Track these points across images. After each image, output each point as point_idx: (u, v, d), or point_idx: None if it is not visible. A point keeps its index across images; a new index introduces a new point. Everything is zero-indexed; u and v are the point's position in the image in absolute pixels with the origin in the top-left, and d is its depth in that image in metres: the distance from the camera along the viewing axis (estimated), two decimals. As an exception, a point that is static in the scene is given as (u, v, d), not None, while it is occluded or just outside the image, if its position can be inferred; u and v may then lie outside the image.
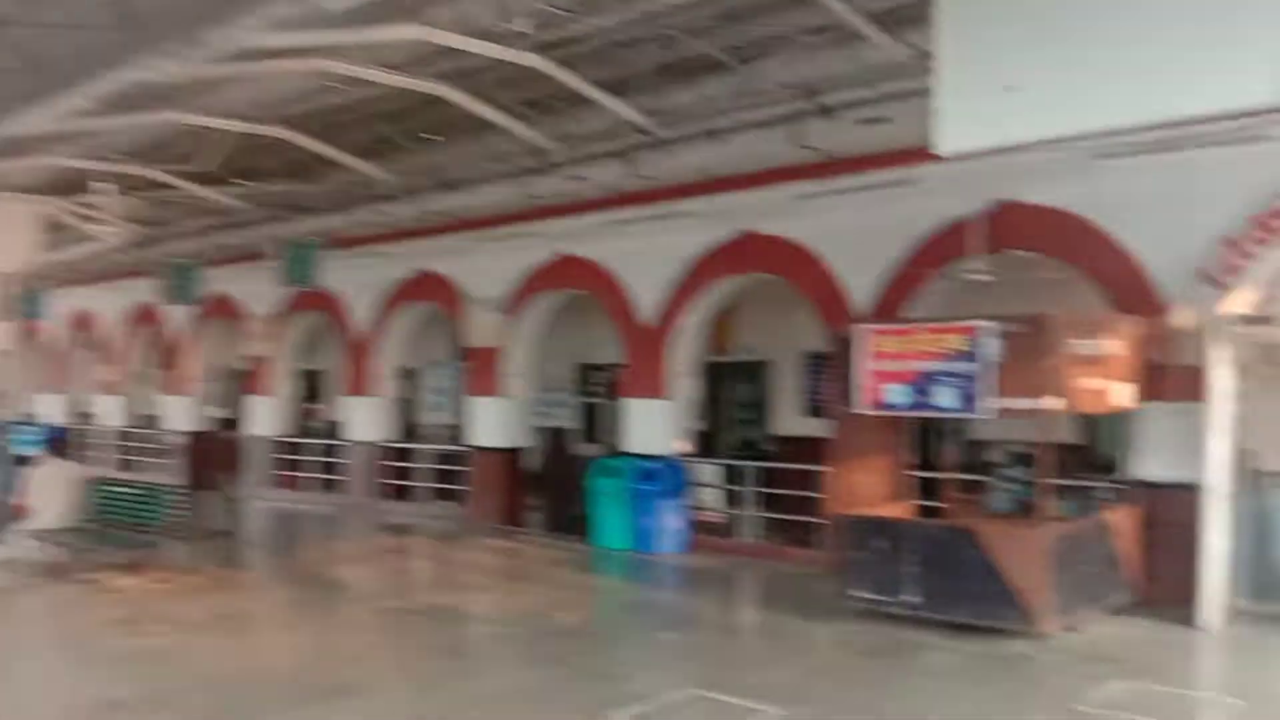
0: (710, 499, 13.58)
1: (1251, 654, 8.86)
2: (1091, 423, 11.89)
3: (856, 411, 9.60)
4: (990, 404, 8.86)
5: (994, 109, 4.84)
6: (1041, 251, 10.88)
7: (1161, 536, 9.77)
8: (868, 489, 10.53)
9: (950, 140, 4.94)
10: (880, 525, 9.57)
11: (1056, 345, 8.67)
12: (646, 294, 14.04)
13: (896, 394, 9.40)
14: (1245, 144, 9.56)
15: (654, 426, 13.81)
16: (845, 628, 9.37)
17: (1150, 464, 9.97)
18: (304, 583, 12.20)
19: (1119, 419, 10.36)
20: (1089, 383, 9.10)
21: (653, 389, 13.89)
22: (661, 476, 13.17)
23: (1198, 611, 9.21)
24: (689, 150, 13.16)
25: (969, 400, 8.98)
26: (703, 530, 13.31)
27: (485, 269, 15.97)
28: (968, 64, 4.94)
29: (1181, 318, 9.89)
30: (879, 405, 9.52)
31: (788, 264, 12.74)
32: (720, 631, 10.03)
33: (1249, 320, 9.41)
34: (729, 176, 12.74)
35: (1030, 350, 8.69)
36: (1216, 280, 9.78)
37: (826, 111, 10.25)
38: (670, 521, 13.09)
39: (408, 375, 18.90)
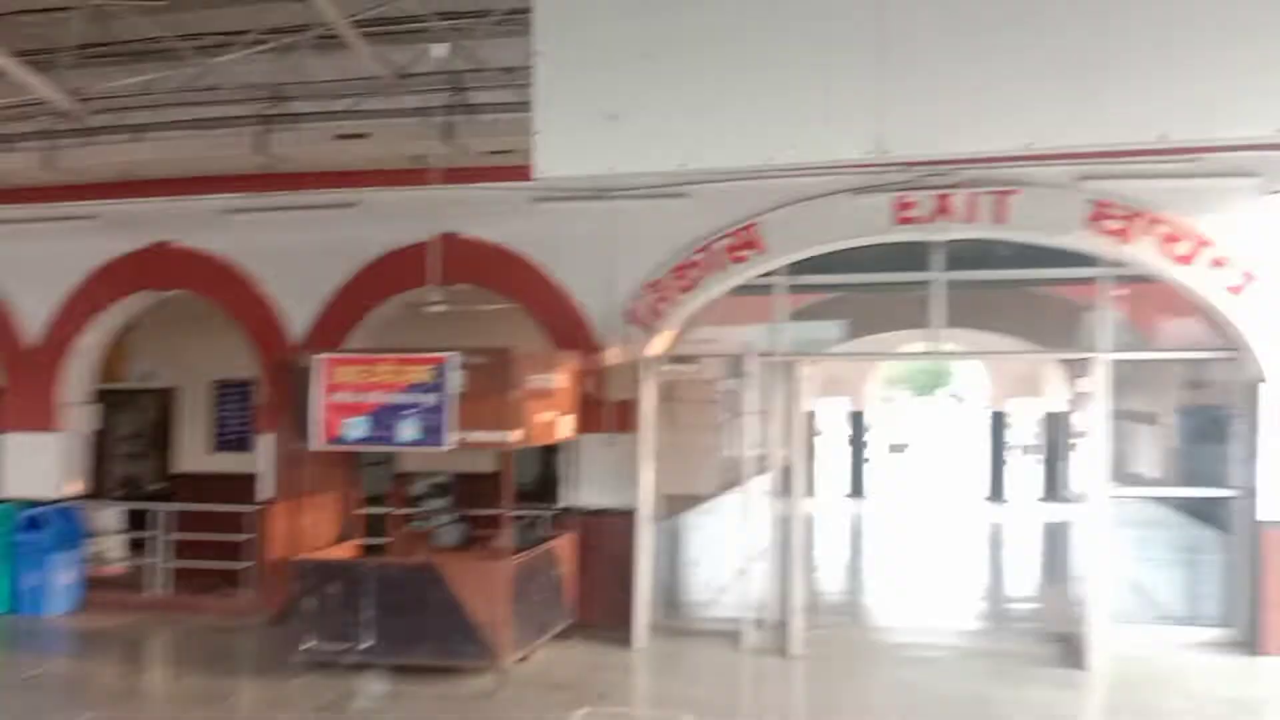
0: (111, 548, 12.33)
1: (682, 667, 9.87)
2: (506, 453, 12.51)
3: (309, 447, 9.30)
4: (453, 437, 9.06)
5: (597, 136, 4.96)
6: (486, 286, 11.36)
7: (595, 561, 10.62)
8: (314, 530, 10.24)
9: (550, 164, 4.99)
10: (334, 568, 9.37)
11: (518, 379, 9.10)
12: (37, 309, 12.47)
13: (355, 427, 9.28)
14: (668, 198, 10.81)
15: (40, 465, 12.27)
16: (294, 685, 9.01)
17: (586, 492, 10.79)
18: None
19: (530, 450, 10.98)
20: (543, 416, 9.66)
21: (40, 421, 12.34)
22: (49, 524, 11.73)
23: (634, 631, 10.15)
24: (113, 144, 11.87)
25: (433, 433, 9.12)
26: (101, 585, 12.05)
27: None
28: (570, 87, 5.01)
29: (613, 355, 10.87)
30: (337, 439, 9.33)
31: (211, 282, 12.05)
32: (151, 703, 9.15)
33: (674, 359, 10.59)
34: (149, 180, 11.73)
35: (492, 383, 9.04)
36: (643, 322, 10.89)
37: (293, 119, 9.85)
38: (61, 577, 11.68)
39: None
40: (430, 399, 9.15)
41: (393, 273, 11.54)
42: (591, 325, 11.05)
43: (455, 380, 9.10)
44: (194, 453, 15.35)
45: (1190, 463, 11.67)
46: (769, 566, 10.51)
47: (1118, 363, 10.18)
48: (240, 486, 13.22)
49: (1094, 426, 9.74)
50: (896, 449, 35.37)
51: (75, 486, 12.37)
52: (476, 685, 8.89)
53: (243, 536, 11.75)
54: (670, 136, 4.86)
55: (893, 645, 10.68)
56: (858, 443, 26.01)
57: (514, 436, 9.04)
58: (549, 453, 13.29)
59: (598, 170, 5.28)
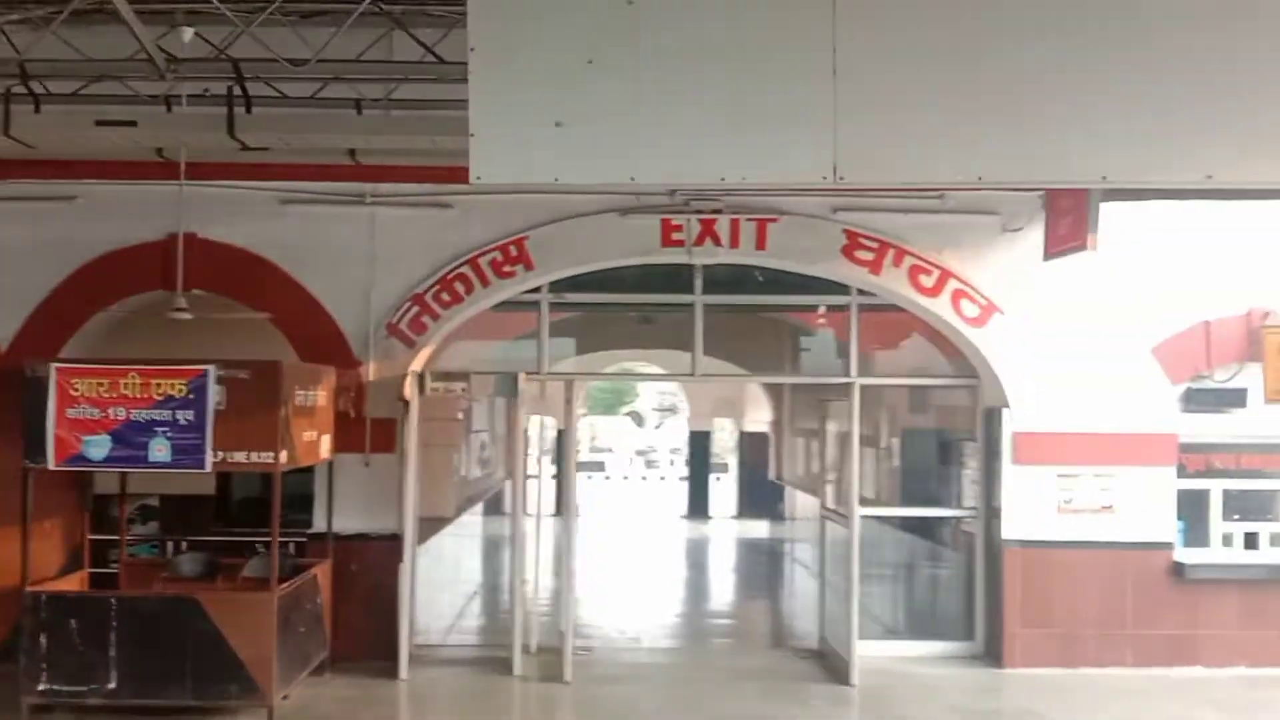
0: None
1: (461, 699, 9.81)
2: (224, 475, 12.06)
3: (47, 465, 8.65)
4: (212, 457, 8.69)
5: (541, 143, 4.92)
6: (228, 293, 10.91)
7: (352, 589, 10.42)
8: (39, 558, 9.43)
9: (487, 170, 4.90)
10: (75, 602, 8.74)
11: (287, 394, 8.85)
12: None
13: (98, 446, 8.71)
14: (431, 206, 10.84)
15: None
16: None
17: (340, 516, 10.56)
18: None
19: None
20: (307, 434, 9.42)
21: None
22: None
23: (399, 662, 10.03)
24: None
25: (190, 453, 8.71)
26: None
27: None
28: (511, 89, 4.96)
29: (373, 371, 10.73)
30: (76, 458, 8.72)
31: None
32: None
33: (443, 377, 10.59)
34: None
35: (257, 399, 8.74)
36: (404, 336, 10.82)
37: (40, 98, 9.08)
38: None
39: None
40: (185, 416, 8.72)
41: (117, 275, 10.89)
42: (347, 338, 10.84)
43: (214, 395, 8.72)
44: None
45: (913, 483, 12.77)
46: (528, 589, 10.66)
47: (837, 387, 11.06)
48: None
49: (847, 449, 10.46)
50: (592, 467, 36.24)
51: None
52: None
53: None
54: (620, 149, 4.93)
55: (656, 666, 11.08)
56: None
57: (282, 457, 8.76)
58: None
59: (541, 179, 5.24)
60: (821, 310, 12.10)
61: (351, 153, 10.11)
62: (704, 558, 20.49)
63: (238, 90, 8.93)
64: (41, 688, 8.51)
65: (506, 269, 10.85)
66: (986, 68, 4.91)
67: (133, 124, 8.56)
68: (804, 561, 17.50)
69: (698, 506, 25.76)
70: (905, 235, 10.86)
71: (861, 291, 11.20)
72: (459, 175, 10.47)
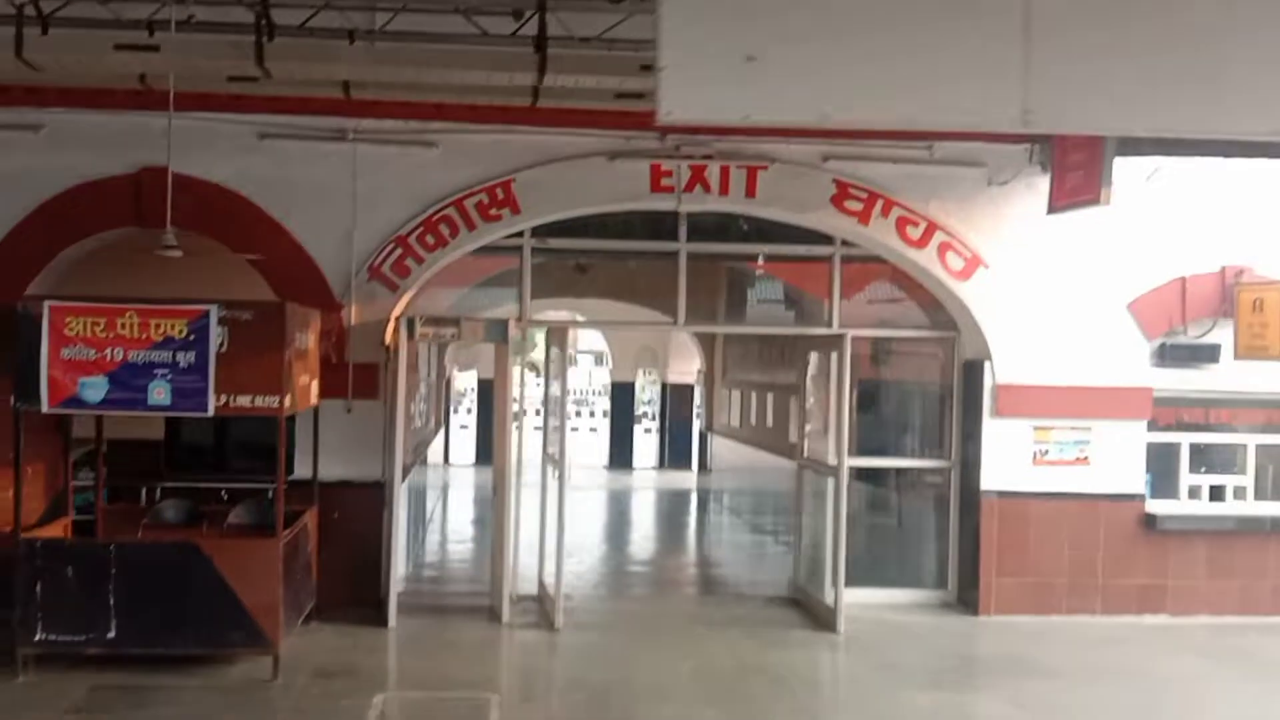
0: None
1: (452, 646, 10.02)
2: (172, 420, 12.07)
3: (40, 408, 8.65)
4: (215, 401, 8.79)
5: (732, 78, 4.89)
6: (203, 230, 10.89)
7: (335, 536, 10.60)
8: (7, 507, 9.41)
9: (678, 106, 4.87)
10: (72, 549, 8.80)
11: (288, 337, 8.97)
12: None
13: (95, 388, 8.73)
14: (414, 145, 10.97)
15: None
16: (28, 683, 8.42)
17: (323, 462, 10.70)
18: None
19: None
20: (302, 379, 9.56)
21: None
22: None
23: (387, 611, 10.29)
24: None
25: (192, 396, 8.77)
26: None
27: None
28: (702, 22, 4.91)
29: (356, 315, 10.86)
30: (72, 401, 8.74)
31: None
32: None
33: (432, 321, 10.77)
34: None
35: (261, 341, 8.84)
36: (387, 279, 10.97)
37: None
38: None
39: None
40: (186, 358, 8.78)
41: (85, 210, 10.80)
42: (328, 280, 10.93)
43: (216, 337, 8.80)
44: None
45: (872, 435, 13.21)
46: (509, 540, 10.96)
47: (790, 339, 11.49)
48: None
49: (837, 400, 10.89)
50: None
51: None
52: (253, 673, 8.73)
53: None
54: (811, 85, 4.94)
55: (635, 614, 11.49)
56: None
57: (286, 402, 8.90)
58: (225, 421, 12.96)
59: (730, 117, 5.31)
60: (760, 260, 12.49)
61: (345, 85, 10.11)
62: (640, 508, 20.94)
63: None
64: (38, 638, 8.53)
65: (492, 212, 11.04)
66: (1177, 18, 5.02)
67: (155, 49, 8.48)
68: (738, 511, 18.15)
69: (621, 457, 26.22)
70: (893, 186, 11.30)
71: (845, 242, 11.62)
72: (444, 112, 10.87)
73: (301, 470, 10.63)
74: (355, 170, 10.92)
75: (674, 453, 25.17)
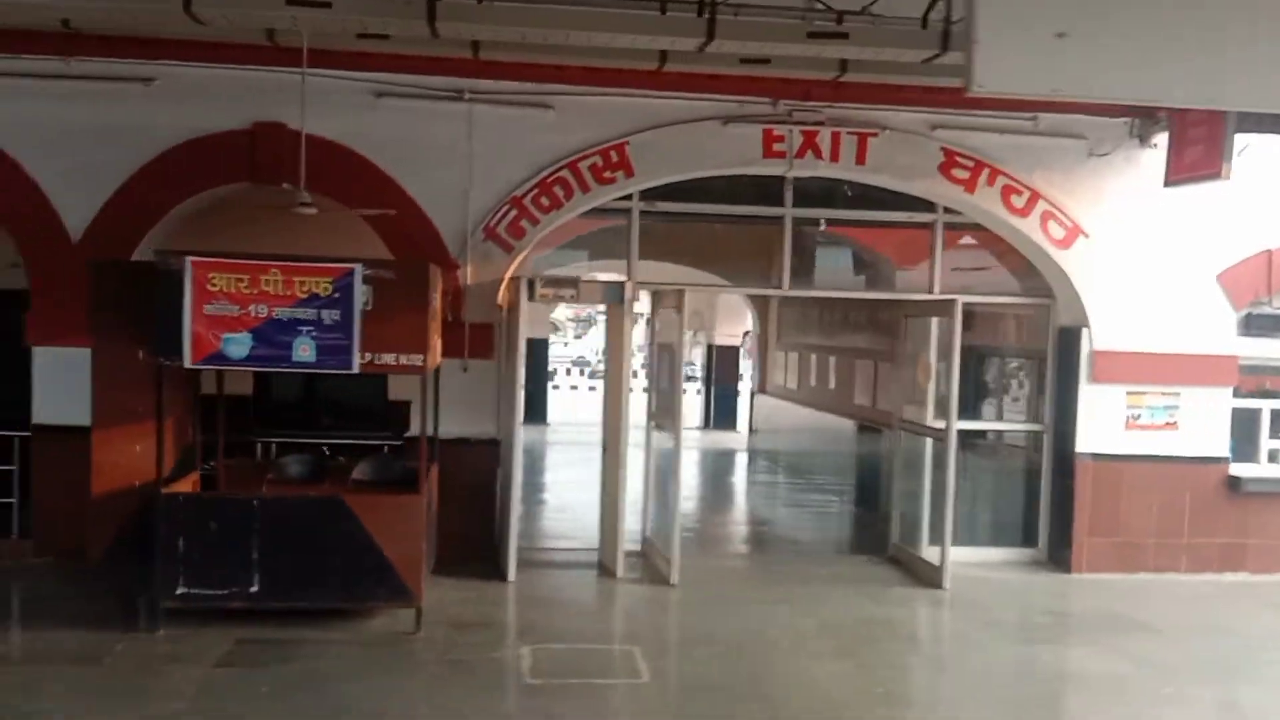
0: None
1: (576, 600, 9.86)
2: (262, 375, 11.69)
3: (183, 363, 8.25)
4: (360, 358, 8.39)
5: (1042, 52, 4.64)
6: (319, 189, 10.38)
7: (451, 492, 10.21)
8: (146, 459, 8.99)
9: (991, 78, 4.62)
10: (213, 504, 8.41)
11: (429, 296, 8.58)
12: None
13: (238, 344, 8.32)
14: (530, 106, 10.51)
15: None
16: (172, 636, 8.08)
17: (441, 420, 10.30)
18: None
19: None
20: (434, 338, 9.16)
21: None
22: None
23: (505, 565, 9.95)
24: None
25: (338, 353, 8.38)
26: None
27: None
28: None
29: (472, 274, 10.43)
30: (215, 356, 8.32)
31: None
32: (14, 666, 7.69)
33: (551, 283, 10.34)
34: None
35: (403, 299, 8.45)
36: (502, 240, 10.54)
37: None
38: None
39: None
40: (331, 315, 8.38)
41: (199, 164, 10.35)
42: (444, 240, 10.52)
43: (360, 294, 8.39)
44: None
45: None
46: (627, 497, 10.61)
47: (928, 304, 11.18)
48: None
49: (946, 364, 10.54)
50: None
51: None
52: (396, 627, 8.43)
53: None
54: (1123, 64, 4.72)
55: (742, 571, 11.17)
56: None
57: (428, 359, 8.51)
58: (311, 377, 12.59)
59: (1039, 91, 5.04)
60: (822, 225, 12.03)
61: (474, 46, 9.64)
62: (701, 467, 20.55)
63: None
64: (180, 591, 8.20)
65: (606, 174, 10.63)
66: None
67: (327, 5, 7.99)
68: (795, 470, 17.79)
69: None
70: (998, 155, 10.97)
71: (947, 210, 11.25)
72: (563, 75, 10.41)
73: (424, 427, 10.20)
74: (471, 130, 10.47)
75: (719, 413, 24.72)
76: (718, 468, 20.05)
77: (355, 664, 7.80)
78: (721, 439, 23.23)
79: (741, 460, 20.77)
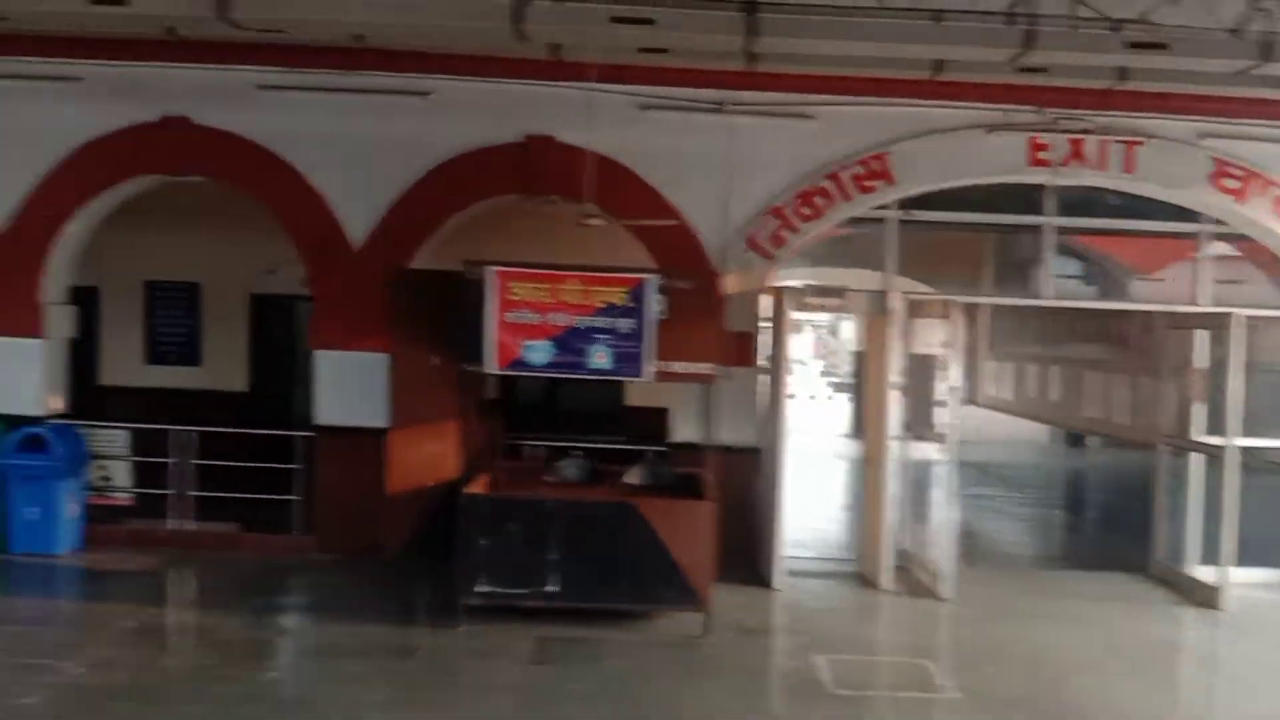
0: (114, 474, 10.50)
1: (852, 610, 9.55)
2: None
3: (483, 369, 8.28)
4: (651, 367, 8.29)
5: None
6: (583, 198, 10.37)
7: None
8: (437, 461, 9.08)
9: None
10: (515, 505, 8.37)
11: (720, 305, 8.43)
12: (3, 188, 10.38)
13: (538, 351, 8.33)
14: (791, 117, 10.29)
15: (19, 376, 10.28)
16: (478, 632, 8.07)
17: (701, 427, 10.12)
18: None
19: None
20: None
21: (16, 323, 10.32)
22: (50, 447, 9.88)
23: (772, 574, 9.73)
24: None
25: (629, 361, 8.33)
26: (106, 518, 10.31)
27: None
28: None
29: (733, 283, 10.24)
30: (516, 363, 8.33)
31: (246, 171, 10.41)
32: (337, 659, 7.70)
33: (820, 291, 10.11)
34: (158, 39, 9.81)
35: (695, 309, 8.34)
36: (763, 249, 10.34)
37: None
38: (67, 508, 9.90)
39: None
40: (627, 324, 8.32)
41: (475, 176, 10.39)
42: (705, 249, 10.35)
43: (654, 304, 8.29)
44: (124, 364, 13.33)
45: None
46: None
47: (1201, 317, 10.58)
48: (184, 404, 11.75)
49: (1232, 377, 9.90)
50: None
51: (59, 402, 10.46)
52: (687, 630, 8.28)
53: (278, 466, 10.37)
54: None
55: (1006, 586, 10.63)
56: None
57: (718, 368, 8.36)
58: (554, 382, 12.58)
59: None
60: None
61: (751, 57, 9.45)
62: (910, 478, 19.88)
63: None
64: (481, 589, 8.16)
65: (867, 183, 10.37)
66: None
67: (650, 22, 7.92)
68: (1007, 481, 17.05)
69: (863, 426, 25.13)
70: (1269, 165, 10.32)
71: (1211, 220, 10.67)
72: (826, 84, 10.16)
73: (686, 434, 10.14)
74: (732, 141, 10.26)
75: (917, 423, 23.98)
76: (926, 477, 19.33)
77: (657, 665, 7.72)
78: (922, 449, 22.43)
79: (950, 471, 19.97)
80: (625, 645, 8.03)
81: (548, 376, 10.35)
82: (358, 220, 10.38)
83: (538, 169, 10.26)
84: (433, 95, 10.35)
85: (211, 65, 10.17)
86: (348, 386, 10.04)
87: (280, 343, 13.18)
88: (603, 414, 12.78)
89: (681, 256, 10.18)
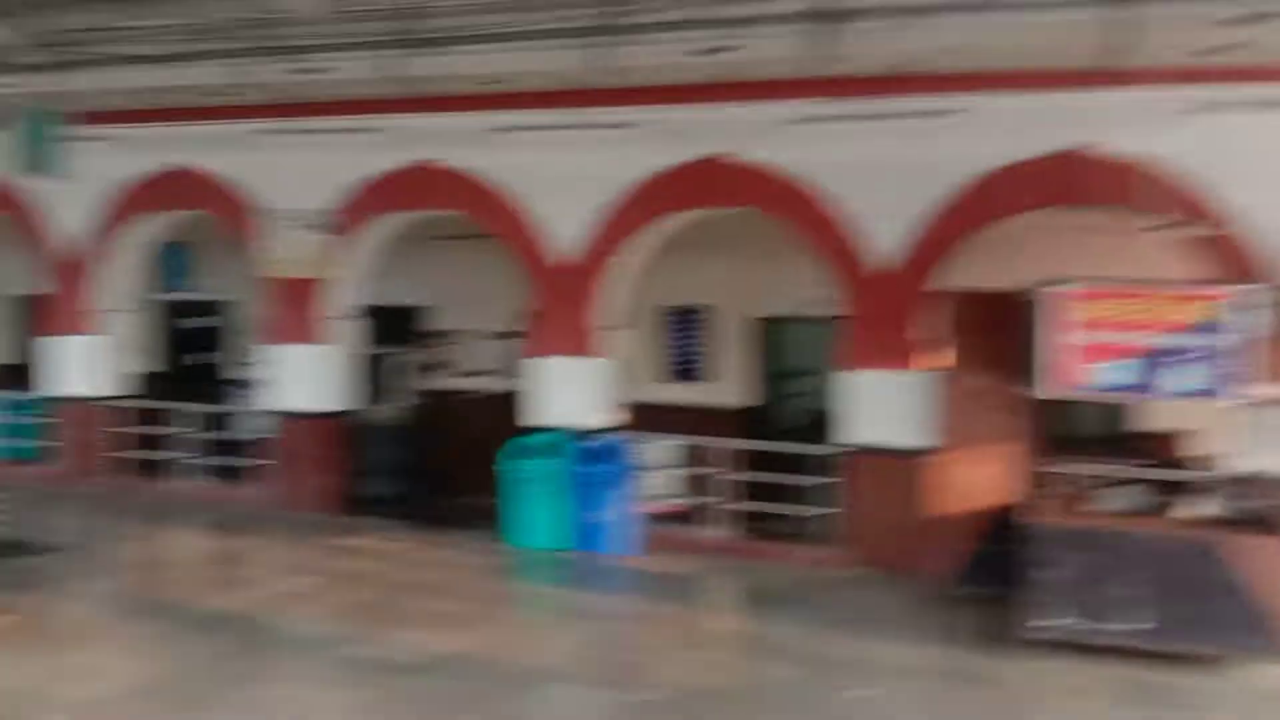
0: (664, 484, 10.94)
1: None
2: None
3: (1038, 394, 7.72)
4: (1243, 389, 7.38)
5: None
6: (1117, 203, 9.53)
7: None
8: (986, 484, 8.62)
9: None
10: (1082, 535, 7.79)
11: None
12: (565, 223, 11.08)
13: (1114, 373, 7.67)
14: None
15: (578, 392, 10.96)
16: (1042, 667, 7.53)
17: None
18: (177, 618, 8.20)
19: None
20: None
21: (574, 345, 11.01)
22: (607, 457, 10.43)
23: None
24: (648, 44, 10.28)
25: (1219, 382, 7.45)
26: (657, 525, 10.72)
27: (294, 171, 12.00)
28: None
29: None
30: (1083, 386, 7.72)
31: (774, 198, 10.48)
32: (914, 678, 7.54)
33: None
34: (694, 84, 10.16)
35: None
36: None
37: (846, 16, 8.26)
38: (620, 514, 10.39)
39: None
40: (1211, 341, 7.47)
41: (1006, 191, 9.85)
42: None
43: (1250, 320, 7.40)
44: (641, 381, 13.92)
45: None
46: None
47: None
48: (693, 419, 11.99)
49: None
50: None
51: (616, 416, 11.04)
52: (1250, 681, 7.41)
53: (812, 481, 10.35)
54: None
55: None
56: None
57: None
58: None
59: None
60: None
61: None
62: None
63: None
64: (1048, 621, 7.63)
65: None
66: None
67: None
68: None
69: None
70: None
71: None
72: None
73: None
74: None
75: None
76: None
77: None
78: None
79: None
80: (1215, 696, 7.22)
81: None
82: (890, 242, 10.17)
83: (1075, 180, 9.59)
84: (965, 112, 9.96)
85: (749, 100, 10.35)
86: (885, 406, 9.85)
87: (770, 361, 13.46)
88: (1102, 438, 11.77)
89: (1241, 267, 9.11)
